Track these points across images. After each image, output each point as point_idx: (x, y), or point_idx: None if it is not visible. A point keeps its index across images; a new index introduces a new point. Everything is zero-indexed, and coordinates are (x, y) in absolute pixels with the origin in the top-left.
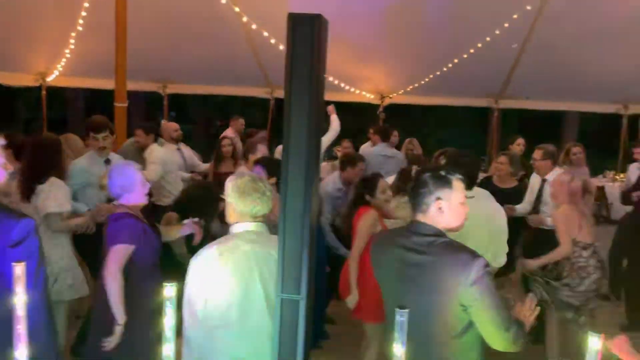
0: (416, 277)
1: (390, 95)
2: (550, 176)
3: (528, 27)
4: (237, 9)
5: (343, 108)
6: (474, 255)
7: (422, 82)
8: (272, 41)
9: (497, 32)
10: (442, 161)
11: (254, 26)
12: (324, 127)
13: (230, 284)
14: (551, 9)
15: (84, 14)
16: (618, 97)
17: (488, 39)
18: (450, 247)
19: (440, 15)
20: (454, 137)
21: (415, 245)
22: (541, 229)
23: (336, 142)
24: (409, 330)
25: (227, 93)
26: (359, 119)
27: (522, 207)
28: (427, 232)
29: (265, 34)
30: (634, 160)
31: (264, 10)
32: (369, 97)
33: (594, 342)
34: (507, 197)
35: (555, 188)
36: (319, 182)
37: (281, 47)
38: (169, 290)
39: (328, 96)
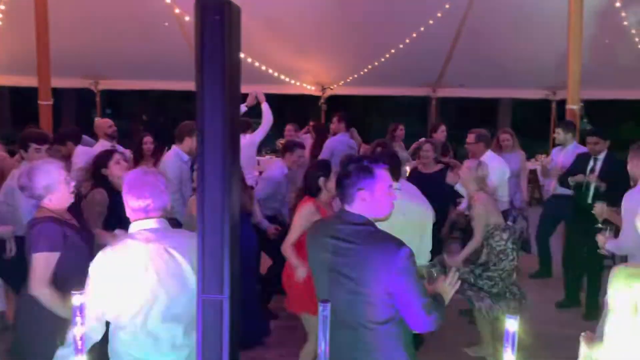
0: (345, 266)
1: (331, 87)
2: (484, 158)
3: (460, 16)
4: (168, 1)
5: (284, 100)
6: (400, 244)
7: (362, 73)
8: None
9: (431, 22)
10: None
11: (187, 18)
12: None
13: (124, 285)
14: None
15: (2, 7)
16: (547, 84)
17: (422, 29)
18: (377, 236)
19: (376, 6)
20: None
21: (343, 234)
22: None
23: (279, 134)
24: (339, 318)
25: (163, 88)
26: (301, 111)
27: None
28: (355, 221)
29: None
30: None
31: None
32: (309, 88)
33: (510, 324)
34: (431, 180)
35: (463, 176)
36: (239, 176)
37: None
38: (76, 298)
39: (269, 89)
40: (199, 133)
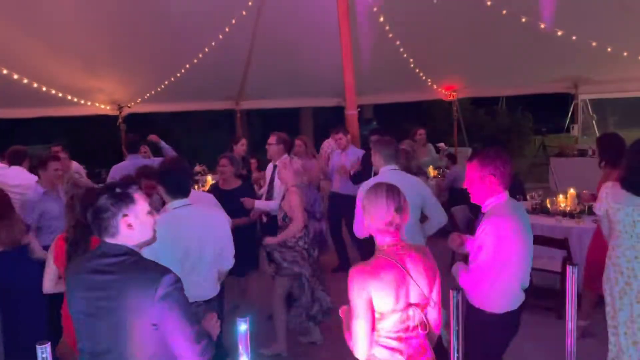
0: (104, 300)
1: (129, 105)
2: (280, 161)
3: (250, 31)
4: None
5: (79, 123)
6: (164, 271)
7: (159, 89)
8: None
9: (221, 36)
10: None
11: None
12: None
13: None
14: (268, 16)
15: None
16: (338, 91)
17: (214, 43)
18: (139, 265)
19: (163, 21)
20: (205, 141)
21: (103, 266)
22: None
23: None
24: (105, 356)
25: None
26: (99, 133)
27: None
28: (116, 252)
29: None
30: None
31: None
32: (104, 108)
33: (242, 326)
34: (232, 197)
35: (281, 171)
36: None
37: None
38: None
39: (57, 111)
40: None
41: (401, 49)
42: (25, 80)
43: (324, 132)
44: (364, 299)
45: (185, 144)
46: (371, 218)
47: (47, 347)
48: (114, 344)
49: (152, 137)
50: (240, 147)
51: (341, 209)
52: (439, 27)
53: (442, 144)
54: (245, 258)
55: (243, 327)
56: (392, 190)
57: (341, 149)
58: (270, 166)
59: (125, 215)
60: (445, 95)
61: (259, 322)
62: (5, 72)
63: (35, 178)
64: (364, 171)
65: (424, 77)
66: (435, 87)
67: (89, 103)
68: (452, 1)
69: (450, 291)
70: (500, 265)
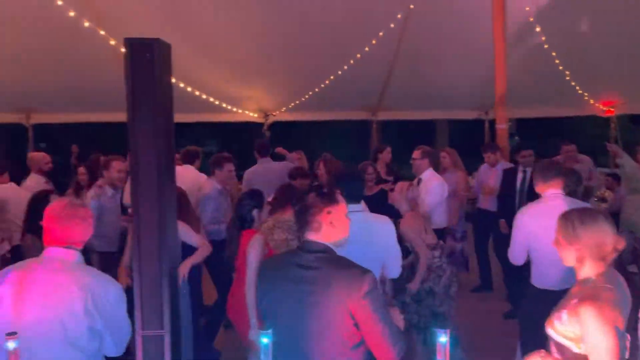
0: (309, 293)
1: (274, 113)
2: (424, 176)
3: (395, 43)
4: (102, 32)
5: (227, 128)
6: (364, 270)
7: (303, 99)
8: None
9: (367, 49)
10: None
11: (123, 49)
12: None
13: (20, 314)
14: (414, 27)
15: None
16: (479, 104)
17: (359, 55)
18: (341, 263)
19: (313, 34)
20: (339, 150)
21: (307, 262)
22: None
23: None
24: (301, 348)
25: (99, 120)
26: (245, 138)
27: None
28: (317, 248)
29: None
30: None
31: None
32: (252, 115)
33: (442, 337)
34: (373, 201)
35: (394, 197)
36: (174, 208)
37: None
38: None
39: (209, 117)
40: (133, 169)
41: (557, 61)
42: (189, 89)
43: (460, 146)
44: (613, 333)
45: (320, 153)
46: (585, 246)
47: (270, 334)
48: (314, 334)
49: (279, 150)
50: (387, 155)
51: (487, 226)
52: (600, 38)
53: None
54: None
55: (443, 338)
56: (608, 217)
57: (490, 165)
58: (415, 179)
59: (329, 212)
60: (602, 112)
61: None
62: (173, 80)
63: (204, 177)
64: (503, 189)
65: (580, 91)
66: (592, 101)
67: (239, 110)
68: (614, 10)
69: None
70: None
